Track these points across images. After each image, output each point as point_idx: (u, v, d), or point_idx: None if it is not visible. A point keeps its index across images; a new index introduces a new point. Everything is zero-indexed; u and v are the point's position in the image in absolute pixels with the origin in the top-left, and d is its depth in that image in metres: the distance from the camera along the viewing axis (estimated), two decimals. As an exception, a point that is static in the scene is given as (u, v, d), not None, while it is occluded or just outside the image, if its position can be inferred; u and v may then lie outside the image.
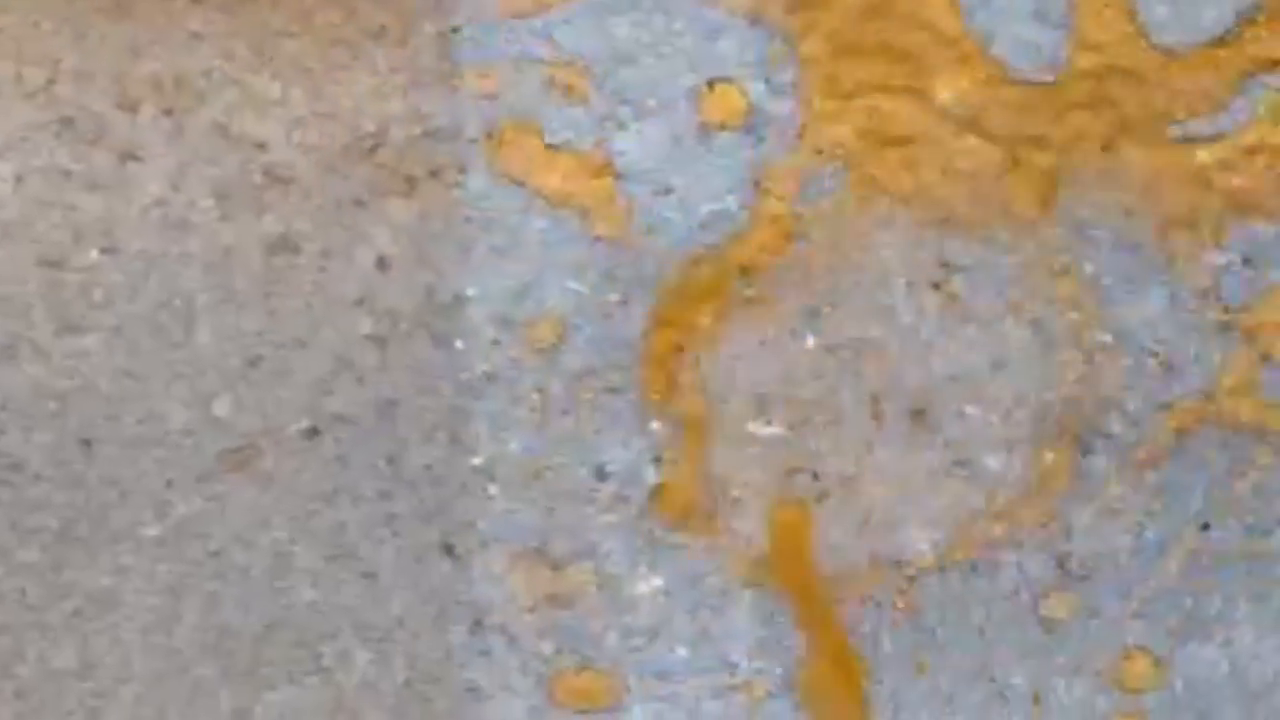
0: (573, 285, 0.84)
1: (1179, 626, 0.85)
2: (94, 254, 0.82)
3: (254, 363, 0.82)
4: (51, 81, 0.82)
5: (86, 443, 0.81)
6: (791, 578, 0.85)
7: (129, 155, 0.82)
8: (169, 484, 0.81)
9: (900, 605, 0.84)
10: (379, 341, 0.83)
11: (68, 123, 0.82)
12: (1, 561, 0.81)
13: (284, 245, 0.82)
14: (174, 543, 0.81)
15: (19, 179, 0.81)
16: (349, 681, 0.82)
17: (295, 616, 0.82)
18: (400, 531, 0.82)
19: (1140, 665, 0.85)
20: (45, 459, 0.81)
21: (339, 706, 0.82)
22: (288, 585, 0.82)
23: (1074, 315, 0.86)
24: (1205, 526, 0.85)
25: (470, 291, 0.83)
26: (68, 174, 0.82)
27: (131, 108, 0.82)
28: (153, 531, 0.81)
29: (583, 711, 0.83)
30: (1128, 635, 0.85)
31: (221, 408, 0.82)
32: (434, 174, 0.83)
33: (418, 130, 0.83)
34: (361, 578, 0.82)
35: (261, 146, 0.82)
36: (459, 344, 0.83)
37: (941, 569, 0.84)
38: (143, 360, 0.82)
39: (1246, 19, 0.85)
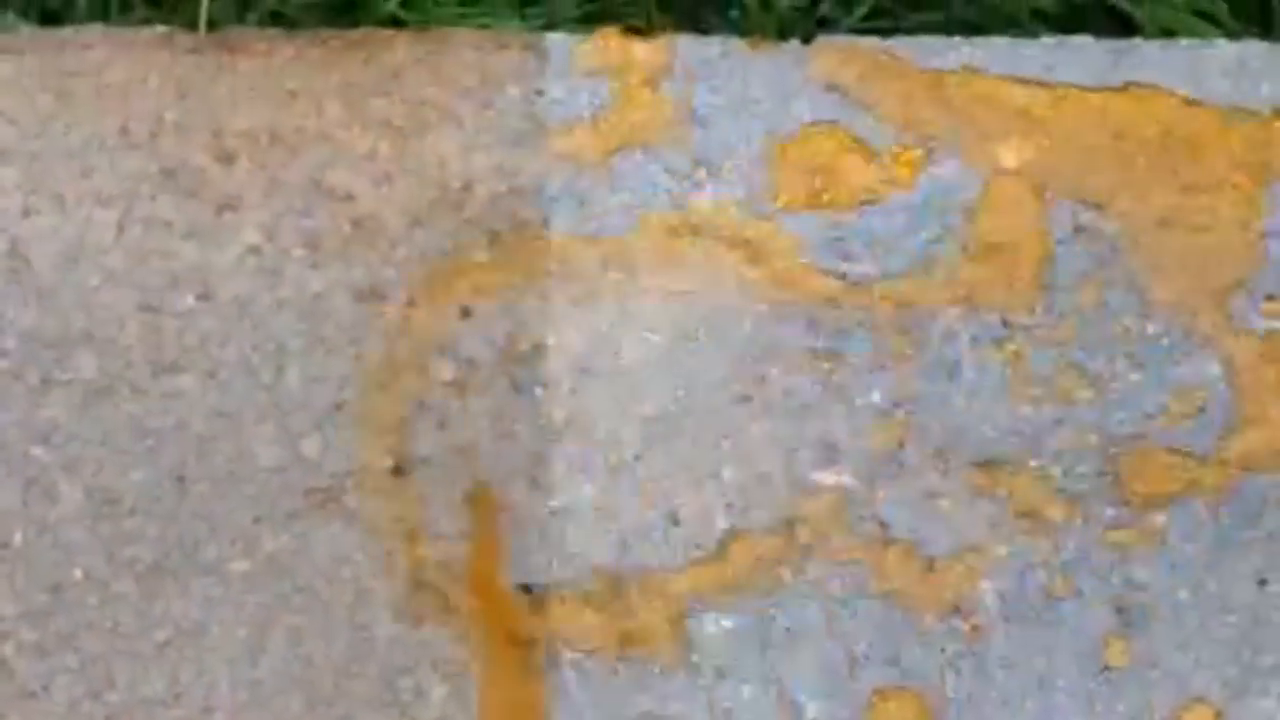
0: (649, 337, 0.87)
1: (1237, 678, 0.87)
2: (190, 299, 0.85)
3: (340, 405, 0.85)
4: (154, 135, 0.86)
5: (180, 479, 0.84)
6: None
7: (225, 206, 0.86)
8: (257, 520, 0.85)
9: (965, 652, 0.86)
10: (460, 387, 0.86)
11: (169, 174, 0.85)
12: (96, 592, 0.84)
13: (371, 294, 0.86)
14: (261, 577, 0.84)
15: (121, 227, 0.85)
16: (427, 715, 0.84)
17: (376, 651, 0.85)
18: (478, 570, 0.85)
19: (1200, 715, 0.87)
20: (140, 494, 0.84)
21: (417, 738, 0.84)
22: (369, 620, 0.84)
23: (1135, 377, 0.88)
24: (1263, 582, 0.87)
25: (550, 341, 0.86)
26: (168, 223, 0.85)
27: (228, 160, 0.86)
28: (241, 566, 0.84)
29: (653, 748, 0.86)
30: (1188, 686, 0.87)
31: (309, 448, 0.85)
32: (517, 228, 0.87)
33: (502, 187, 0.87)
34: (441, 614, 0.85)
35: (351, 199, 0.86)
36: (538, 391, 0.86)
37: (1006, 618, 0.87)
38: (235, 401, 0.85)
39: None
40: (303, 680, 0.84)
